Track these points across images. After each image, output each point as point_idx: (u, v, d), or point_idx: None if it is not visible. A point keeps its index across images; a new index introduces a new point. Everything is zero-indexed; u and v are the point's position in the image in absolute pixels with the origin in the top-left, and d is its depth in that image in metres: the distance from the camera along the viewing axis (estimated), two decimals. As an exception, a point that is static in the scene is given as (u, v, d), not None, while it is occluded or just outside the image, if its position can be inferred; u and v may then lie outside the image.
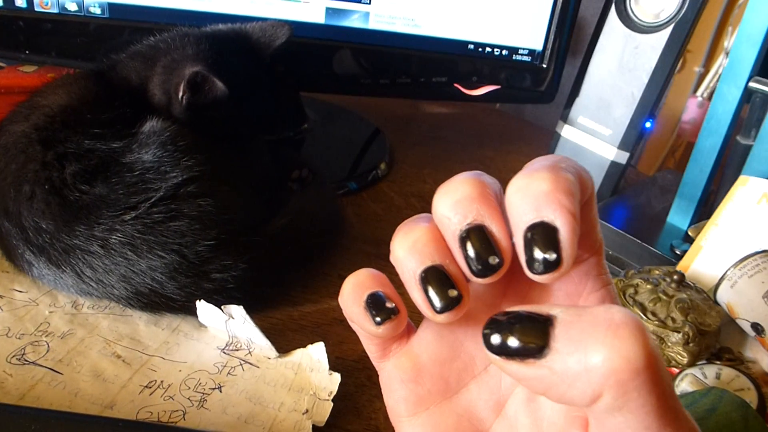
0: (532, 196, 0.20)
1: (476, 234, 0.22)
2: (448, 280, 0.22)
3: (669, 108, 1.07)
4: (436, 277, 0.22)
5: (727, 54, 0.91)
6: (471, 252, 0.22)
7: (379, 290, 0.24)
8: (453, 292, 0.22)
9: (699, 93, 1.05)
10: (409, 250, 0.23)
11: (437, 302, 0.22)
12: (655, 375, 0.17)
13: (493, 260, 0.21)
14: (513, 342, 0.19)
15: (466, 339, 0.25)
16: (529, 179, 0.21)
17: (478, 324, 0.25)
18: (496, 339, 0.19)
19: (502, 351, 0.19)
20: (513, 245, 0.22)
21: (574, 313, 0.18)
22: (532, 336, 0.18)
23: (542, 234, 0.20)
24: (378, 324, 0.24)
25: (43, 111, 0.53)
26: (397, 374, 0.25)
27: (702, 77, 1.08)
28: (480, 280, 0.22)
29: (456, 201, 0.22)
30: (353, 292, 0.24)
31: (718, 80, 0.93)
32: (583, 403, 0.18)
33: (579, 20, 0.78)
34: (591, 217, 0.23)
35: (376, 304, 0.24)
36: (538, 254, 0.20)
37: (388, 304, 0.24)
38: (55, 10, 0.66)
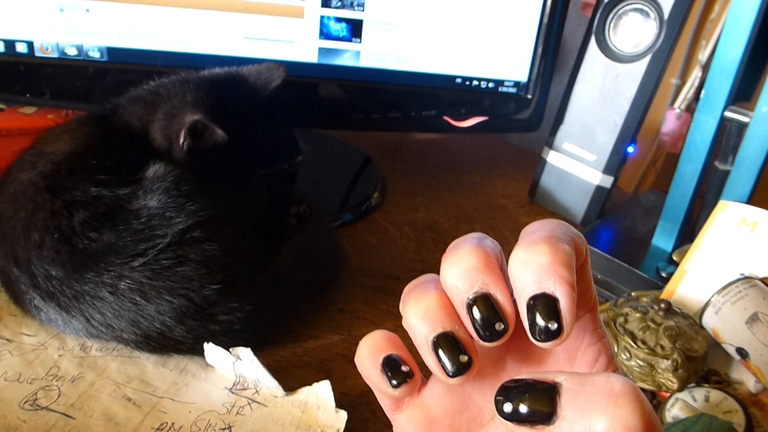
0: (534, 269, 0.22)
1: (482, 302, 0.24)
2: (458, 345, 0.24)
3: (648, 120, 1.09)
4: (447, 343, 0.24)
5: (702, 66, 0.95)
6: (478, 319, 0.24)
7: (394, 353, 0.26)
8: (464, 358, 0.24)
9: (677, 105, 1.08)
10: (422, 317, 0.24)
11: (449, 367, 0.24)
12: None
13: (499, 326, 0.23)
14: (523, 409, 0.20)
15: (474, 391, 0.27)
16: (530, 252, 0.23)
17: (486, 378, 0.27)
18: (508, 407, 0.21)
19: (514, 418, 0.21)
20: (517, 310, 0.24)
21: (578, 381, 0.20)
22: (541, 404, 0.20)
23: (544, 304, 0.22)
24: (395, 387, 0.25)
25: (49, 158, 0.54)
26: (411, 426, 0.27)
27: (679, 89, 1.11)
28: (487, 344, 0.24)
29: (463, 271, 0.24)
30: (369, 355, 0.26)
31: (694, 92, 0.97)
32: None
33: (561, 43, 0.81)
34: (586, 278, 0.25)
35: (392, 368, 0.25)
36: (541, 323, 0.22)
37: (404, 368, 0.25)
38: (55, 55, 0.67)
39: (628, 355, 0.49)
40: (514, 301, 0.24)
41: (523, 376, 0.21)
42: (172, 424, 0.47)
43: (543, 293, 0.22)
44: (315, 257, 0.62)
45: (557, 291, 0.22)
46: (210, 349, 0.50)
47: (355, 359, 0.27)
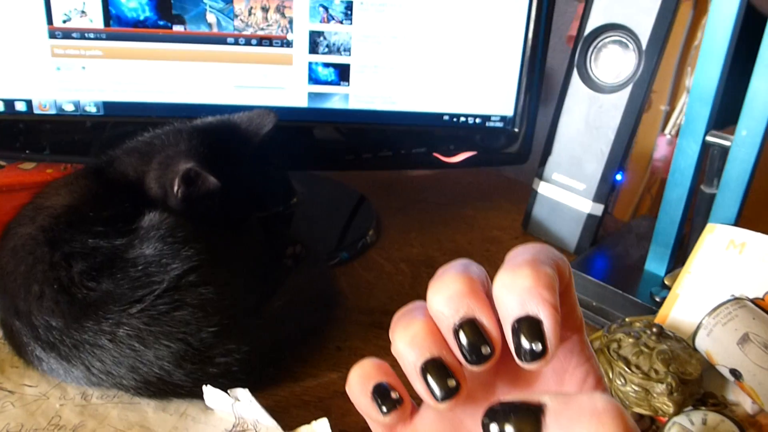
0: (517, 292, 0.23)
1: (468, 327, 0.24)
2: (446, 370, 0.25)
3: (640, 146, 1.11)
4: (435, 368, 0.25)
5: (689, 92, 0.97)
6: (465, 343, 0.24)
7: (383, 381, 0.26)
8: (452, 382, 0.25)
9: (667, 131, 1.10)
10: (409, 344, 0.25)
11: (438, 392, 0.25)
12: None
13: (486, 350, 0.24)
14: (509, 430, 0.21)
15: (465, 416, 0.28)
16: (513, 276, 0.24)
17: (475, 402, 0.28)
18: (494, 428, 0.21)
19: None
20: (502, 334, 0.24)
21: (562, 401, 0.21)
22: (526, 424, 0.21)
23: (528, 327, 0.23)
24: (384, 414, 0.26)
25: (47, 212, 0.56)
26: None
27: (668, 115, 1.13)
28: (474, 368, 0.25)
29: (448, 297, 0.25)
30: (360, 383, 0.27)
31: (684, 117, 0.99)
32: None
33: (546, 71, 0.83)
34: (570, 300, 0.26)
35: (382, 395, 0.26)
36: (526, 345, 0.23)
37: (393, 395, 0.26)
38: (53, 112, 0.69)
39: (623, 380, 0.50)
40: (500, 325, 0.24)
41: (509, 398, 0.22)
42: (173, 469, 0.47)
43: (527, 315, 0.23)
44: (311, 297, 0.63)
45: (541, 313, 0.23)
46: (209, 391, 0.50)
47: (346, 388, 0.27)
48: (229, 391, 0.50)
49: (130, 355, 0.50)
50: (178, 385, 0.51)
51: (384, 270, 0.77)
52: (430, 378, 0.25)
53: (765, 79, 0.60)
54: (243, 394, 0.50)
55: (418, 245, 0.83)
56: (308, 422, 0.50)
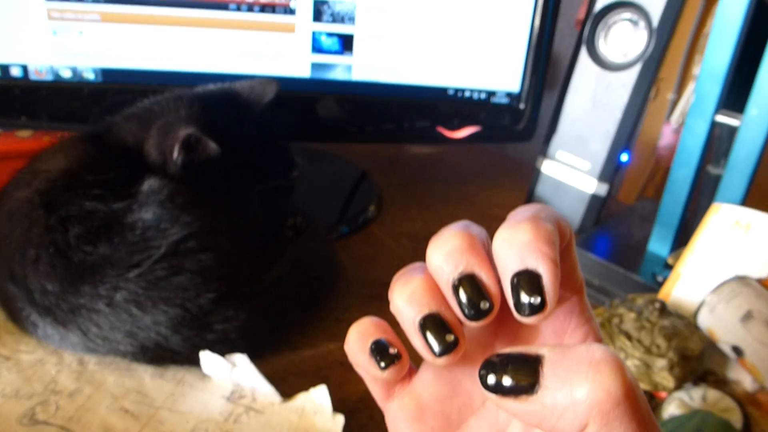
0: (516, 247, 0.23)
1: (467, 282, 0.24)
2: (444, 326, 0.24)
3: (646, 135, 1.10)
4: (433, 323, 0.24)
5: (696, 81, 0.96)
6: (464, 298, 0.24)
7: (382, 337, 0.26)
8: (450, 337, 0.24)
9: (673, 119, 1.09)
10: (408, 300, 0.25)
11: (436, 347, 0.24)
12: (634, 404, 0.20)
13: (484, 305, 0.24)
14: (507, 381, 0.21)
15: (464, 377, 0.27)
16: (513, 231, 0.23)
17: (475, 363, 0.27)
18: (491, 379, 0.21)
19: (498, 389, 0.21)
20: (502, 290, 0.24)
21: (560, 352, 0.20)
22: (524, 375, 0.21)
23: (527, 280, 0.22)
24: (383, 369, 0.26)
25: (44, 176, 0.55)
26: (402, 414, 0.27)
27: (675, 104, 1.12)
28: (473, 324, 0.24)
29: (447, 252, 0.24)
30: (358, 340, 0.26)
31: (689, 108, 0.98)
32: None
33: (553, 56, 0.82)
34: (571, 259, 0.26)
35: (380, 351, 0.26)
36: (525, 299, 0.23)
37: (391, 350, 0.26)
38: (50, 78, 0.68)
39: (624, 355, 0.49)
40: (499, 281, 0.24)
41: (507, 350, 0.21)
42: (169, 434, 0.47)
43: (526, 269, 0.22)
44: (311, 267, 0.62)
45: (540, 267, 0.22)
46: (206, 357, 0.50)
47: (345, 346, 0.27)
48: (226, 357, 0.49)
49: (127, 320, 0.49)
50: (175, 351, 0.50)
51: (384, 244, 0.76)
52: (428, 333, 0.24)
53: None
54: (241, 360, 0.49)
55: (419, 221, 0.82)
56: (306, 390, 0.50)
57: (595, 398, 0.19)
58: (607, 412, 0.19)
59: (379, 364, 0.26)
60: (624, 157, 0.80)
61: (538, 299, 0.22)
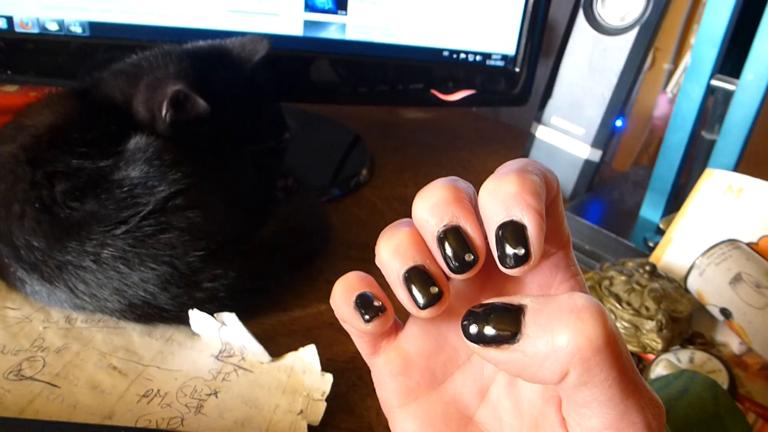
0: (501, 198, 0.22)
1: (452, 234, 0.23)
2: (429, 278, 0.24)
3: (641, 105, 1.10)
4: (418, 276, 0.24)
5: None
6: (448, 251, 0.24)
7: (366, 290, 0.26)
8: (434, 289, 0.24)
9: (669, 89, 1.08)
10: (393, 253, 0.24)
11: (420, 299, 0.24)
12: (615, 351, 0.19)
13: (469, 257, 0.23)
14: (489, 330, 0.21)
15: (449, 332, 0.27)
16: (499, 182, 0.23)
17: (460, 318, 0.27)
18: (473, 329, 0.21)
19: (480, 339, 0.21)
20: (487, 243, 0.24)
21: (542, 301, 0.20)
22: (506, 324, 0.20)
23: (512, 231, 0.22)
24: (367, 321, 0.25)
25: (29, 131, 0.54)
26: (388, 368, 0.27)
27: (671, 74, 1.11)
28: (458, 276, 0.24)
29: (433, 205, 0.24)
30: (343, 293, 0.26)
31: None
32: (553, 380, 0.20)
33: (549, 22, 0.81)
34: (558, 213, 0.25)
35: (364, 304, 0.25)
36: (509, 250, 0.22)
37: (376, 303, 0.25)
38: (36, 31, 0.67)
39: (613, 317, 0.49)
40: (484, 234, 0.24)
41: (490, 300, 0.21)
42: (158, 390, 0.47)
43: (510, 220, 0.22)
44: (302, 228, 0.61)
45: (525, 218, 0.22)
46: (195, 315, 0.50)
47: (330, 301, 0.27)
48: (215, 315, 0.49)
49: (114, 277, 0.49)
50: (163, 309, 0.50)
51: (376, 208, 0.76)
52: (413, 286, 0.24)
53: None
54: (229, 318, 0.49)
55: (412, 185, 0.82)
56: (295, 349, 0.50)
57: (576, 345, 0.19)
58: (587, 359, 0.19)
59: (363, 316, 0.25)
60: (618, 123, 0.79)
61: (522, 250, 0.22)
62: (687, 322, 0.50)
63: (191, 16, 0.69)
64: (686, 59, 1.04)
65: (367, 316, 0.25)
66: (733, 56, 0.64)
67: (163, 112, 0.56)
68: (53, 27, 0.67)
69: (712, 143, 0.66)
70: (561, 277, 0.26)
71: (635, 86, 0.80)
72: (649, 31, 0.75)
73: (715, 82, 0.64)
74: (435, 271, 0.24)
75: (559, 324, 0.19)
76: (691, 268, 0.52)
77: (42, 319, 0.53)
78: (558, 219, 0.25)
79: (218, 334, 0.50)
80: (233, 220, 0.55)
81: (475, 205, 0.24)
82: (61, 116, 0.56)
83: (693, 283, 0.51)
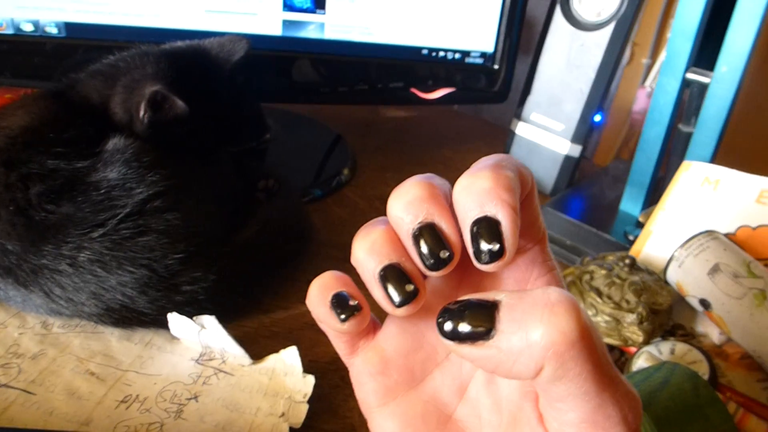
0: (476, 194, 0.22)
1: (427, 231, 0.23)
2: (404, 276, 0.24)
3: (620, 100, 1.10)
4: (393, 274, 0.24)
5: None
6: (424, 248, 0.23)
7: (342, 290, 0.25)
8: (410, 287, 0.24)
9: (647, 84, 1.09)
10: (368, 251, 0.24)
11: (396, 297, 0.24)
12: (590, 345, 0.19)
13: (444, 254, 0.23)
14: (464, 327, 0.21)
15: (427, 330, 0.27)
16: (473, 178, 0.23)
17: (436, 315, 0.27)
18: (448, 326, 0.21)
19: (455, 336, 0.21)
20: (462, 239, 0.23)
21: (517, 296, 0.20)
22: (480, 320, 0.20)
23: (486, 227, 0.22)
24: (343, 321, 0.25)
25: (3, 132, 0.53)
26: (366, 368, 0.27)
27: (649, 68, 1.12)
28: (434, 274, 0.24)
29: (408, 202, 0.24)
30: (319, 293, 0.26)
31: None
32: (529, 375, 0.20)
33: (527, 19, 0.81)
34: (533, 209, 0.25)
35: (340, 303, 0.25)
36: (484, 246, 0.22)
37: (351, 302, 0.25)
38: (11, 31, 0.65)
39: (594, 311, 0.50)
40: (459, 231, 0.23)
41: (465, 297, 0.21)
42: (137, 396, 0.46)
43: (485, 216, 0.22)
44: (283, 229, 0.61)
45: (499, 213, 0.22)
46: (174, 319, 0.49)
47: (307, 300, 0.26)
48: (195, 319, 0.49)
49: (91, 281, 0.48)
50: (142, 313, 0.49)
51: (358, 207, 0.75)
52: (388, 284, 0.24)
53: (747, 13, 0.59)
54: (209, 321, 0.48)
55: (394, 184, 0.80)
56: (277, 351, 0.49)
57: (550, 340, 0.19)
58: (562, 354, 0.19)
59: (339, 316, 0.25)
60: (597, 118, 0.80)
61: (497, 246, 0.22)
62: (667, 314, 0.50)
63: (169, 17, 0.68)
64: (663, 54, 1.05)
65: (342, 316, 0.25)
66: (707, 49, 0.65)
67: (141, 113, 0.55)
68: (28, 28, 0.66)
69: (689, 136, 0.67)
70: (537, 272, 0.26)
71: (613, 81, 0.80)
72: (625, 26, 0.75)
73: (690, 75, 0.65)
74: (410, 269, 0.24)
75: (533, 319, 0.19)
76: (670, 260, 0.52)
77: (17, 324, 0.52)
78: (533, 214, 0.25)
79: (198, 338, 0.50)
80: (213, 221, 0.54)
81: (451, 202, 0.24)
82: (37, 117, 0.55)
83: (672, 275, 0.52)
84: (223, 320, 0.49)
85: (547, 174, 0.83)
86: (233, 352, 0.49)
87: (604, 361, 0.20)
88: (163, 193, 0.51)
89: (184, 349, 0.51)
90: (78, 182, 0.50)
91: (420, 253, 0.24)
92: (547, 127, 0.82)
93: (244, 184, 0.65)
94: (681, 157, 0.66)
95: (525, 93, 0.83)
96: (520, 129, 0.84)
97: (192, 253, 0.50)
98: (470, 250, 0.23)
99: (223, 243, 0.54)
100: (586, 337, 0.19)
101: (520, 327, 0.19)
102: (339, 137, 0.90)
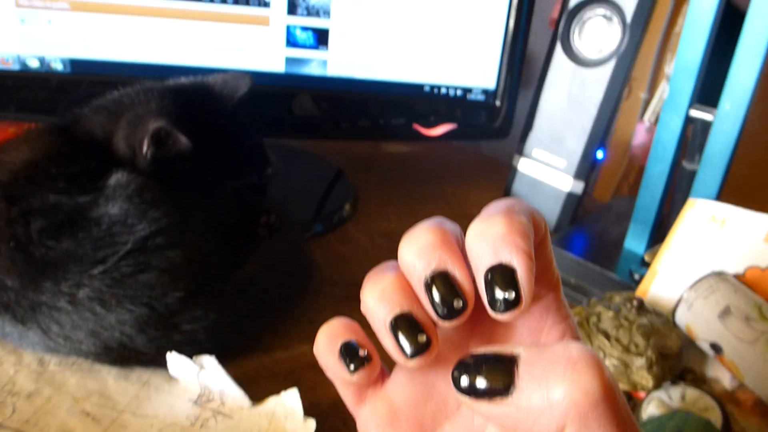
0: (490, 240, 0.22)
1: (440, 279, 0.23)
2: (416, 326, 0.23)
3: (620, 134, 1.11)
4: (405, 324, 0.23)
5: (668, 79, 0.96)
6: (436, 297, 0.23)
7: (352, 339, 0.25)
8: (422, 338, 0.23)
9: (646, 118, 1.10)
10: (379, 299, 0.24)
11: (408, 348, 0.23)
12: (613, 404, 0.18)
13: (458, 303, 0.23)
14: (481, 383, 0.20)
15: (438, 381, 0.26)
16: (486, 224, 0.22)
17: (449, 365, 0.26)
18: (465, 381, 0.20)
19: (471, 391, 0.20)
20: (476, 288, 0.23)
21: (536, 351, 0.19)
22: (498, 376, 0.19)
23: (501, 275, 0.21)
24: (352, 372, 0.24)
25: (6, 167, 0.53)
26: (374, 419, 0.26)
27: (647, 103, 1.12)
28: (446, 324, 0.23)
29: (420, 249, 0.23)
30: (327, 342, 0.25)
31: (662, 105, 0.98)
32: None
33: (528, 55, 0.82)
34: (546, 254, 0.25)
35: (349, 353, 0.24)
36: (499, 294, 0.21)
37: (361, 352, 0.24)
38: (17, 67, 0.66)
39: (602, 354, 0.49)
40: (473, 278, 0.23)
41: (481, 350, 0.20)
42: (134, 438, 0.45)
43: (499, 264, 0.21)
44: (284, 266, 0.60)
45: (514, 260, 0.21)
46: (173, 358, 0.48)
47: (314, 348, 0.26)
48: (194, 358, 0.48)
49: (90, 319, 0.47)
50: (140, 352, 0.48)
51: (360, 244, 0.75)
52: (400, 334, 0.23)
53: (751, 50, 0.59)
54: (209, 361, 0.47)
55: (395, 220, 0.81)
56: (277, 393, 0.48)
57: (573, 399, 0.18)
58: (585, 414, 0.18)
59: (348, 366, 0.24)
60: (599, 154, 0.80)
61: (513, 294, 0.21)
62: (677, 357, 0.49)
63: (172, 53, 0.69)
64: (662, 88, 1.06)
65: (352, 366, 0.24)
66: (710, 85, 0.65)
67: (145, 148, 0.55)
68: (34, 64, 0.66)
69: (693, 173, 0.66)
70: (552, 321, 0.25)
71: (614, 117, 0.80)
72: (626, 63, 0.76)
73: (693, 113, 0.65)
74: (422, 319, 0.23)
75: (555, 376, 0.19)
76: (678, 302, 0.51)
77: (13, 361, 0.51)
78: (547, 260, 0.25)
79: (197, 378, 0.48)
80: (214, 259, 0.53)
81: (463, 248, 0.24)
82: (40, 151, 0.55)
83: (681, 318, 0.51)
84: (223, 360, 0.48)
85: (550, 211, 0.82)
86: (232, 393, 0.48)
87: (627, 420, 0.19)
88: (164, 230, 0.50)
89: (183, 390, 0.49)
90: (79, 217, 0.50)
91: (432, 302, 0.23)
92: (549, 164, 0.82)
93: (246, 219, 0.65)
94: (685, 195, 0.66)
95: (527, 129, 0.83)
96: (522, 165, 0.84)
97: (192, 292, 0.49)
98: (485, 299, 0.22)
99: (223, 281, 0.53)
100: (610, 396, 0.18)
101: (541, 385, 0.19)
102: (340, 172, 0.90)
